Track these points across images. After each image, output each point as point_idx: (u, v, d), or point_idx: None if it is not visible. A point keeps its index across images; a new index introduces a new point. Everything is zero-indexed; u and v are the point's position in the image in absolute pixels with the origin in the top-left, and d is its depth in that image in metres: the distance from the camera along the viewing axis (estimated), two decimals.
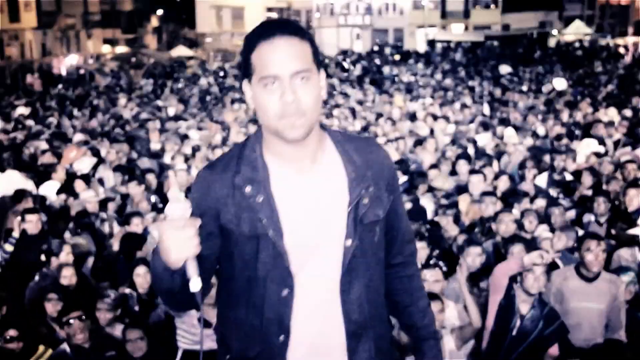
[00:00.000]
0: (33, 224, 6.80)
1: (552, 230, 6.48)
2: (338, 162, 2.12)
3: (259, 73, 1.97)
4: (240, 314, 2.14)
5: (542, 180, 8.75)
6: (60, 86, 27.62)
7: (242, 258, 2.08)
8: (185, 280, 1.92)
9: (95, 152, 11.05)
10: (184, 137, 12.45)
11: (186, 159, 10.43)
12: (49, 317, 5.39)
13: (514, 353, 4.65)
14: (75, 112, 18.21)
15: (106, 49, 50.05)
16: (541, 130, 12.31)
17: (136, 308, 5.69)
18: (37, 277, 6.01)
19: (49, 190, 8.52)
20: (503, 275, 4.77)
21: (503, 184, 8.01)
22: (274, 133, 2.02)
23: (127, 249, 6.54)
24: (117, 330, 5.21)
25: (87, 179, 9.10)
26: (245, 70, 2.03)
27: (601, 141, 10.60)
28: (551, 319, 4.65)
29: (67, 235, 7.24)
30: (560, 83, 19.97)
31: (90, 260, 6.61)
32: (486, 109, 15.85)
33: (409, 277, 2.36)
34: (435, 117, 13.86)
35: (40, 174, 9.41)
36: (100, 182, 9.48)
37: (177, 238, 1.85)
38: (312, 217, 2.07)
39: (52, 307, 5.37)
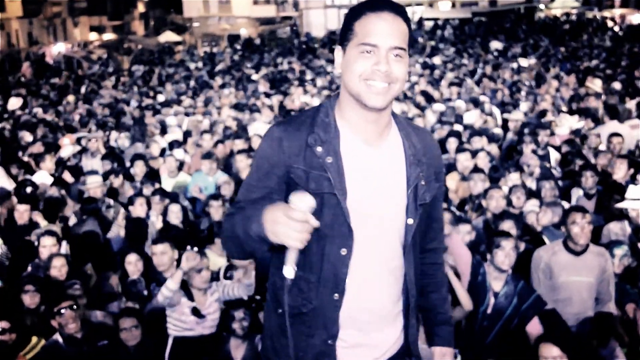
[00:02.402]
0: (21, 214, 6.78)
1: (542, 204, 6.48)
2: (400, 143, 2.26)
3: (360, 39, 2.09)
4: (297, 270, 2.14)
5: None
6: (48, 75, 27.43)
7: None
8: (279, 259, 2.07)
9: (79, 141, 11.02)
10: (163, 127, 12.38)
11: (179, 144, 10.39)
12: (27, 307, 5.30)
13: (492, 331, 4.63)
14: (68, 99, 18.07)
15: (93, 36, 49.67)
16: (524, 107, 12.28)
17: (145, 293, 5.67)
18: (29, 268, 5.97)
19: (41, 179, 8.47)
20: (461, 248, 4.73)
21: (482, 160, 7.96)
22: (355, 97, 2.13)
23: (132, 234, 6.55)
24: (108, 317, 5.21)
25: (76, 170, 9.05)
26: (344, 35, 2.16)
27: (590, 114, 10.57)
28: (525, 294, 4.65)
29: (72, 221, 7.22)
30: (525, 61, 20.40)
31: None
32: (473, 86, 15.80)
33: (438, 265, 2.52)
34: (427, 97, 13.81)
35: (29, 165, 9.35)
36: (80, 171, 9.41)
37: (290, 227, 1.89)
38: (375, 186, 2.18)
39: (29, 299, 5.29)
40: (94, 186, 7.55)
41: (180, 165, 9.15)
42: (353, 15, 2.14)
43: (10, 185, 8.38)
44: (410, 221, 2.22)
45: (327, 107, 2.24)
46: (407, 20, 2.15)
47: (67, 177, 8.74)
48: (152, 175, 8.70)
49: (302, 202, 1.91)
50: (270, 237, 1.94)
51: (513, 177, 7.29)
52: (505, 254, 4.64)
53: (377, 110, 2.13)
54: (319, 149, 2.13)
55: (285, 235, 1.89)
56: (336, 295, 2.18)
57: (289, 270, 1.95)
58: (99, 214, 7.24)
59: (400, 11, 2.13)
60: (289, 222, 1.88)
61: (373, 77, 2.08)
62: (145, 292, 5.65)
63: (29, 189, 7.67)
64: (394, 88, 2.12)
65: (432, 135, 2.45)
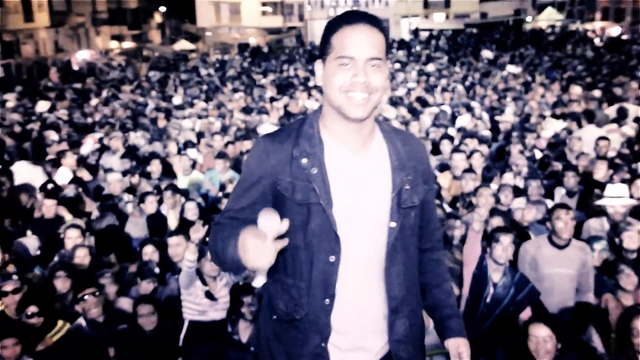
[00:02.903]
0: (48, 208, 6.81)
1: (529, 201, 6.49)
2: (384, 149, 2.17)
3: (337, 52, 2.01)
4: (288, 279, 2.15)
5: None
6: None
7: (293, 224, 2.06)
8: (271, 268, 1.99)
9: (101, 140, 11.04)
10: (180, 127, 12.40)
11: (192, 144, 10.40)
12: (58, 292, 5.35)
13: (490, 318, 4.67)
14: (91, 102, 18.09)
15: (114, 44, 49.67)
16: (511, 111, 12.27)
17: (157, 270, 5.74)
18: (56, 258, 6.00)
19: (63, 176, 8.49)
20: (474, 244, 4.76)
21: (476, 160, 7.98)
22: (337, 109, 2.06)
23: (153, 228, 6.55)
24: (124, 303, 5.23)
25: (94, 168, 9.06)
26: (323, 49, 2.07)
27: (575, 118, 10.58)
28: (522, 285, 4.66)
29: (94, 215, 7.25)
30: (513, 69, 20.35)
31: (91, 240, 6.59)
32: (464, 92, 15.80)
33: (437, 261, 2.41)
34: (422, 102, 13.81)
35: (54, 162, 9.38)
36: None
37: (258, 249, 1.83)
38: (360, 193, 2.10)
39: (60, 284, 5.34)
40: (113, 182, 7.60)
41: (193, 164, 9.16)
42: (330, 28, 2.06)
43: (39, 174, 8.45)
44: (393, 224, 2.13)
45: (312, 119, 2.17)
46: (382, 30, 2.06)
47: (85, 174, 8.74)
48: (170, 173, 8.71)
49: (269, 222, 1.83)
50: (243, 262, 1.88)
51: (507, 177, 7.30)
52: (503, 248, 4.66)
53: (359, 120, 2.06)
54: (304, 160, 2.07)
55: (253, 261, 1.83)
56: (327, 300, 2.12)
57: (259, 281, 1.94)
58: (116, 209, 7.27)
59: (375, 22, 2.05)
60: (256, 249, 1.82)
61: (353, 89, 2.01)
62: (157, 270, 5.71)
63: (50, 186, 7.71)
64: (373, 98, 2.04)
65: (418, 139, 2.34)
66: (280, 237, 1.87)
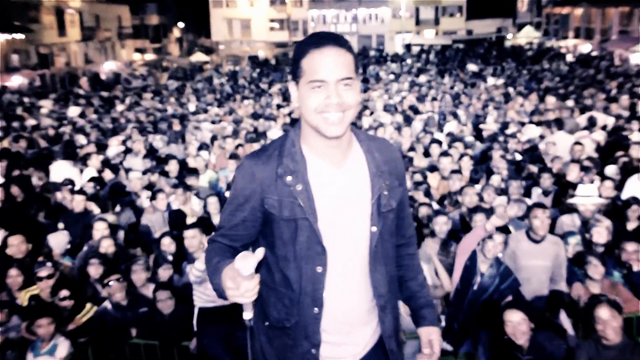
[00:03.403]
0: (78, 203, 6.82)
1: (510, 200, 6.48)
2: (362, 159, 2.07)
3: (308, 77, 1.90)
4: (279, 288, 2.07)
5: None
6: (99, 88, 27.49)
7: (282, 239, 2.01)
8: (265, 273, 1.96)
9: (124, 143, 11.04)
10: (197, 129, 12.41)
11: (206, 147, 10.41)
12: (92, 279, 5.39)
13: (476, 304, 4.68)
14: (117, 108, 18.11)
15: (137, 56, 49.71)
16: (490, 118, 12.26)
17: (170, 257, 5.76)
18: (85, 248, 6.02)
19: (89, 175, 8.52)
20: (474, 240, 4.78)
21: (465, 163, 8.00)
22: (314, 129, 1.95)
23: (174, 222, 6.59)
24: (148, 289, 5.24)
25: (115, 167, 9.11)
26: (295, 73, 1.96)
27: (549, 125, 10.57)
28: (506, 276, 4.67)
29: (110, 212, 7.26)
30: (492, 80, 20.33)
31: (121, 233, 6.60)
32: (450, 101, 15.79)
33: (410, 255, 2.33)
34: (414, 110, 13.80)
35: (83, 162, 9.41)
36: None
37: (236, 292, 1.74)
38: (342, 204, 2.01)
39: (94, 270, 5.38)
40: (134, 180, 7.62)
41: (206, 164, 9.16)
42: (299, 53, 1.93)
43: (76, 172, 8.47)
44: (374, 229, 2.04)
45: (292, 137, 2.04)
46: (349, 49, 1.93)
47: (108, 174, 8.75)
48: (193, 171, 8.69)
49: (244, 265, 1.73)
50: (228, 298, 1.80)
51: (494, 179, 7.29)
52: (494, 245, 4.68)
53: (336, 138, 1.96)
54: (289, 178, 1.97)
55: (234, 298, 1.75)
56: (316, 309, 2.03)
57: (247, 315, 1.84)
58: (133, 204, 7.27)
59: (341, 43, 1.92)
60: (235, 290, 1.74)
61: (327, 110, 1.89)
62: (171, 258, 5.72)
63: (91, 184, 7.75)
64: (348, 115, 1.93)
65: (391, 144, 2.24)
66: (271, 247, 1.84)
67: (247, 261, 1.73)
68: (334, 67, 1.88)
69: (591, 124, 10.36)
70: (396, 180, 2.13)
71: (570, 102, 13.49)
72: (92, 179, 8.00)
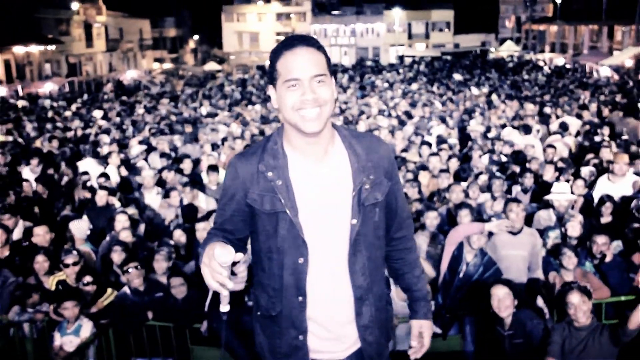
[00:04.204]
0: (101, 197, 6.79)
1: (493, 197, 6.45)
2: (344, 154, 1.96)
3: (284, 77, 1.83)
4: (265, 279, 2.00)
5: (485, 160, 8.68)
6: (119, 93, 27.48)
7: (265, 232, 1.94)
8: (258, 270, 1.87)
9: (147, 142, 11.00)
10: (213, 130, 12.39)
11: (217, 147, 10.37)
12: (115, 264, 5.36)
13: (462, 290, 4.66)
14: (137, 111, 18.08)
15: (156, 65, 49.69)
16: (474, 122, 12.20)
17: (182, 252, 5.79)
18: (107, 238, 5.99)
19: (110, 171, 8.50)
20: (464, 233, 4.75)
21: (452, 164, 7.96)
22: (294, 126, 1.87)
23: (187, 216, 6.55)
24: (163, 276, 5.20)
25: (128, 164, 9.07)
26: (271, 76, 1.89)
27: (529, 130, 10.54)
28: (489, 265, 4.65)
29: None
30: (475, 90, 20.24)
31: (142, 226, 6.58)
32: (440, 107, 15.75)
33: (407, 249, 2.20)
34: (408, 115, 13.77)
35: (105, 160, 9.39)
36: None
37: (209, 276, 1.65)
38: (323, 198, 1.92)
39: (117, 256, 5.34)
40: (147, 177, 7.60)
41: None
42: (274, 56, 1.86)
43: (102, 169, 8.46)
44: (354, 221, 1.92)
45: (275, 136, 1.97)
46: (320, 48, 1.85)
47: (122, 170, 8.69)
48: (214, 168, 8.61)
49: (222, 256, 1.63)
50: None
51: (482, 178, 7.26)
52: (478, 238, 4.66)
53: (315, 134, 1.87)
54: (270, 174, 1.89)
55: (206, 281, 1.66)
56: (300, 298, 1.95)
57: (224, 307, 1.75)
58: (137, 201, 7.25)
59: (312, 43, 1.84)
60: (208, 273, 1.65)
61: (304, 106, 1.81)
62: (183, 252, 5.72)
63: (102, 179, 7.74)
64: (325, 110, 1.84)
65: (380, 140, 2.09)
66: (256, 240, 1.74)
67: (225, 252, 1.64)
68: (307, 66, 1.81)
69: (563, 128, 10.35)
70: (382, 175, 2.00)
71: (547, 109, 13.46)
72: (102, 175, 7.97)
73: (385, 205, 2.03)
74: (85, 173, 8.17)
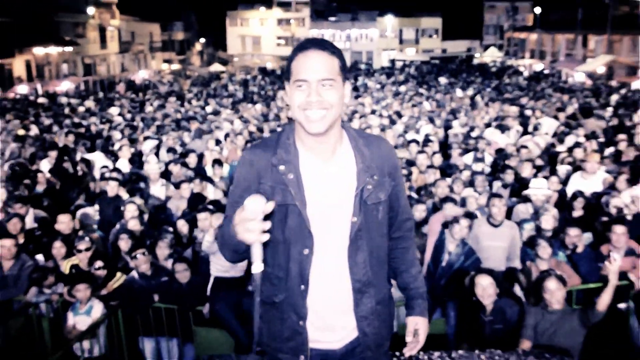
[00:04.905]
0: (112, 188, 6.75)
1: (477, 192, 6.45)
2: (351, 154, 1.91)
3: (295, 77, 1.78)
4: (268, 268, 1.92)
5: (469, 158, 8.68)
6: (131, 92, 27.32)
7: (273, 222, 1.84)
8: (247, 253, 1.72)
9: (157, 138, 10.95)
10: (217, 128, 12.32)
11: (219, 142, 10.32)
12: (122, 251, 5.35)
13: (444, 278, 4.67)
14: (147, 109, 17.98)
15: (165, 66, 49.39)
16: (457, 123, 12.19)
17: (184, 240, 5.76)
18: (117, 226, 5.96)
19: (121, 164, 8.44)
20: (436, 222, 4.76)
21: (436, 160, 7.95)
22: (300, 125, 1.82)
23: (192, 203, 6.52)
24: (168, 262, 5.18)
25: (139, 158, 8.98)
26: (287, 74, 1.84)
27: (505, 129, 10.53)
28: (469, 255, 4.66)
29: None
30: (460, 92, 20.16)
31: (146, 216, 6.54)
32: (428, 107, 15.72)
33: (405, 248, 2.13)
34: (398, 114, 13.73)
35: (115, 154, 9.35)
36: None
37: (246, 226, 1.57)
38: (329, 195, 1.87)
39: (124, 243, 5.34)
40: (152, 171, 7.57)
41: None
42: (291, 56, 1.82)
43: (110, 162, 8.41)
44: (355, 219, 1.87)
45: (288, 131, 1.92)
46: (334, 53, 1.78)
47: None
48: (219, 162, 8.51)
49: (253, 203, 1.55)
50: (237, 236, 1.62)
51: (465, 173, 7.24)
52: (460, 228, 4.66)
53: (318, 135, 1.81)
54: (282, 167, 1.83)
55: (241, 233, 1.59)
56: (302, 286, 1.90)
57: (257, 266, 1.65)
58: (142, 192, 7.21)
59: (325, 47, 1.78)
60: (242, 223, 1.58)
61: (309, 107, 1.76)
62: (185, 241, 5.70)
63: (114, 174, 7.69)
64: (331, 113, 1.77)
65: (386, 141, 2.04)
66: (266, 231, 1.62)
67: (256, 200, 1.56)
68: (316, 68, 1.75)
69: (534, 129, 10.37)
70: (386, 175, 1.94)
71: (528, 111, 13.46)
72: (114, 169, 7.92)
73: (387, 205, 1.99)
74: (105, 167, 8.12)
